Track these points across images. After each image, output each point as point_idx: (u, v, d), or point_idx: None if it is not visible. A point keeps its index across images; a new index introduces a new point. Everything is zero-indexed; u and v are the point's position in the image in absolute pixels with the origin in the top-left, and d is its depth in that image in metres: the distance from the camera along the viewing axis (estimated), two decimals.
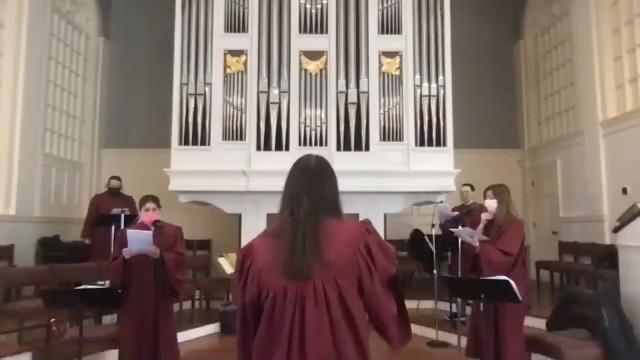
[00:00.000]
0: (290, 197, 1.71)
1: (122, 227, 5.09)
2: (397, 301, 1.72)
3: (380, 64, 7.23)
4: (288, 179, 1.77)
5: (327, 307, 1.59)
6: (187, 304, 6.51)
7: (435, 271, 5.98)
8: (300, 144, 6.99)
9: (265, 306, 1.62)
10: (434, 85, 7.16)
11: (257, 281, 1.64)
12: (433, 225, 6.01)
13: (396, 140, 7.10)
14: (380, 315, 1.68)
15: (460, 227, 4.36)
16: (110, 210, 6.53)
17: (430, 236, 5.88)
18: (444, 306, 6.18)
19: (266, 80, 7.09)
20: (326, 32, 7.24)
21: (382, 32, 7.28)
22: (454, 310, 5.88)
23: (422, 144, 7.08)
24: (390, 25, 7.31)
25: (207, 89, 7.09)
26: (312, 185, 1.71)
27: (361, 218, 1.83)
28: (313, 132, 7.06)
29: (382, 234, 6.56)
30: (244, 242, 6.94)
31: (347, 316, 1.60)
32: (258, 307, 1.65)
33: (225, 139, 7.05)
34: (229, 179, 6.89)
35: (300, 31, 7.23)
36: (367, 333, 1.66)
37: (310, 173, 1.75)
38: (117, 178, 7.29)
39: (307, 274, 1.58)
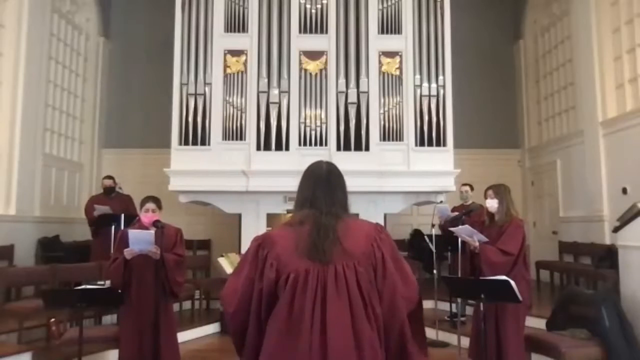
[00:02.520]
0: (306, 199, 1.84)
1: (122, 227, 5.10)
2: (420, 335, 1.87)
3: (380, 64, 7.22)
4: (302, 184, 1.90)
5: (347, 290, 1.68)
6: (187, 304, 6.52)
7: (435, 271, 5.98)
8: (300, 144, 6.99)
9: (287, 288, 1.68)
10: (434, 85, 7.15)
11: (276, 266, 1.71)
12: (433, 225, 6.01)
13: (396, 140, 7.09)
14: (392, 318, 1.74)
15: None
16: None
17: (430, 236, 5.88)
18: (444, 306, 6.18)
19: (266, 80, 7.08)
20: (326, 32, 7.24)
21: (382, 32, 7.27)
22: (454, 310, 5.88)
23: (422, 144, 7.07)
24: (390, 25, 7.31)
25: (207, 89, 7.08)
26: (325, 189, 1.84)
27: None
28: (313, 132, 7.06)
29: None
30: (244, 242, 6.94)
31: (363, 301, 1.69)
32: (273, 294, 1.71)
33: (225, 139, 7.04)
34: (229, 179, 6.88)
35: (300, 31, 7.23)
36: (380, 320, 1.73)
37: (323, 178, 1.88)
38: (110, 177, 7.21)
39: (328, 256, 1.69)
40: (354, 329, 1.64)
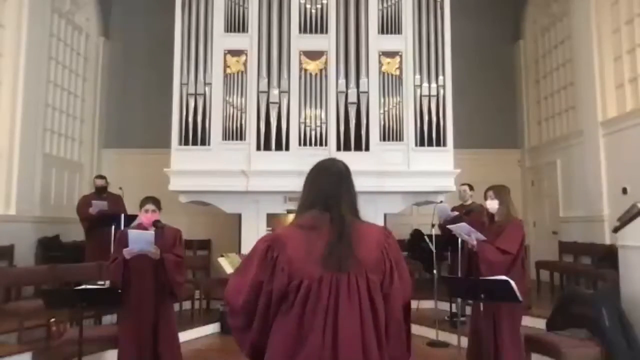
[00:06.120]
0: (323, 195, 1.78)
1: (122, 227, 5.10)
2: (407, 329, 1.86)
3: (380, 64, 7.23)
4: (314, 179, 1.84)
5: (359, 299, 1.67)
6: (187, 304, 6.51)
7: (435, 271, 5.98)
8: (300, 144, 6.99)
9: (299, 296, 1.65)
10: (434, 85, 7.16)
11: (287, 270, 1.67)
12: (433, 225, 6.01)
13: (396, 140, 7.09)
14: (391, 320, 1.76)
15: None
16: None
17: (430, 236, 5.88)
18: (444, 306, 6.18)
19: (266, 80, 7.09)
20: (326, 32, 7.24)
21: (382, 32, 7.28)
22: (454, 310, 5.88)
23: (422, 144, 7.07)
24: (390, 25, 7.31)
25: (207, 89, 7.09)
26: (343, 188, 1.81)
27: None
28: (313, 132, 7.06)
29: None
30: (244, 242, 6.95)
31: (373, 310, 1.69)
32: (284, 296, 1.69)
33: (225, 139, 7.05)
34: (229, 179, 6.89)
35: (300, 31, 7.23)
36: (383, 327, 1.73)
37: (340, 176, 1.84)
38: (102, 177, 7.24)
39: (346, 266, 1.66)
40: (363, 344, 1.63)
